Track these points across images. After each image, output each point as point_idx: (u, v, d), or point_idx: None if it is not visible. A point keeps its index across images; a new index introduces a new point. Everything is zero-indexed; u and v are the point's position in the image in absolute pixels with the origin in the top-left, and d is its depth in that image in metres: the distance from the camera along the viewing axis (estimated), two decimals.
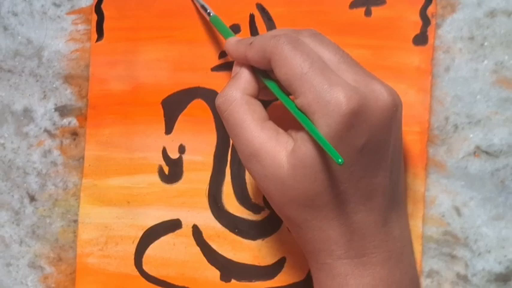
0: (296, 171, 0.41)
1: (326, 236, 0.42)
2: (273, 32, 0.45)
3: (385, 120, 0.41)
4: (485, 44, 0.48)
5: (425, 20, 0.49)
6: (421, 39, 0.49)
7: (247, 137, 0.43)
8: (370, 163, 0.41)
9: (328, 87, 0.39)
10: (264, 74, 0.45)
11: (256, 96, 0.45)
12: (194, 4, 0.54)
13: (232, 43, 0.46)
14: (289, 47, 0.41)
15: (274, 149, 0.42)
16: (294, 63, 0.40)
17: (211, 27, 0.54)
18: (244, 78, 0.45)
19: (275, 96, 0.45)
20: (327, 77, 0.40)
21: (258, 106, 0.44)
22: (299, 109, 0.40)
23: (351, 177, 0.41)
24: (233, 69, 0.46)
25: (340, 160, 0.37)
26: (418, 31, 0.49)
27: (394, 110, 0.41)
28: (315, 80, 0.39)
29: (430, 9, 0.49)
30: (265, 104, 0.46)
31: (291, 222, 0.44)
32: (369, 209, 0.42)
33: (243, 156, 0.43)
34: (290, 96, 0.42)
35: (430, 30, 0.49)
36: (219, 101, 0.44)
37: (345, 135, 0.39)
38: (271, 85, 0.44)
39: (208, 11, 0.52)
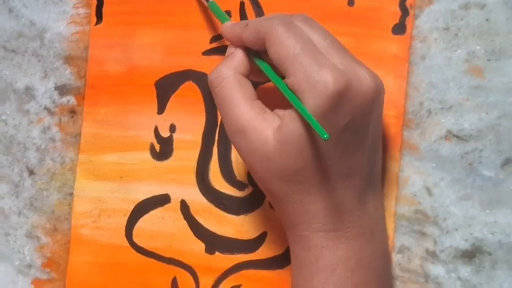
0: (281, 146, 0.43)
1: (305, 209, 0.45)
2: (267, 16, 0.48)
3: (367, 103, 0.43)
4: (459, 34, 0.50)
5: (404, 11, 0.51)
6: (399, 28, 0.52)
7: (235, 112, 0.45)
8: (350, 143, 0.44)
9: (318, 68, 0.41)
10: (256, 55, 0.47)
11: (248, 76, 0.47)
12: None
13: (228, 26, 0.48)
14: (283, 28, 0.43)
15: (261, 125, 0.44)
16: (287, 43, 0.42)
17: (204, 14, 0.57)
18: (237, 57, 0.47)
19: (266, 79, 0.48)
20: (316, 58, 0.42)
21: (248, 85, 0.46)
22: (289, 88, 0.43)
23: (333, 155, 0.43)
24: (227, 50, 0.48)
25: (325, 136, 0.39)
26: (397, 21, 0.52)
27: (377, 94, 0.44)
28: (306, 61, 0.42)
29: (409, 1, 0.51)
30: (255, 85, 0.49)
31: (272, 196, 0.46)
32: (347, 186, 0.45)
33: (231, 131, 0.46)
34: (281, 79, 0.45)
35: (408, 21, 0.51)
36: (211, 77, 0.47)
37: (330, 114, 0.41)
38: (263, 65, 0.46)
39: None
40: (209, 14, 0.56)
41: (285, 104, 0.44)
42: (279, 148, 0.43)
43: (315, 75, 0.41)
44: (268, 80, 0.49)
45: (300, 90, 0.42)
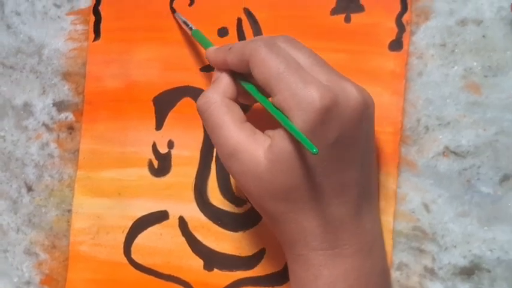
0: (273, 166, 0.43)
1: (301, 227, 0.45)
2: (250, 39, 0.48)
3: (355, 117, 0.43)
4: (456, 50, 0.50)
5: (401, 27, 0.51)
6: (396, 45, 0.52)
7: (226, 136, 0.45)
8: (341, 158, 0.44)
9: (303, 85, 0.41)
10: (242, 77, 0.47)
11: (235, 100, 0.48)
12: (176, 20, 0.57)
13: (212, 51, 0.49)
14: (266, 49, 0.44)
15: (252, 147, 0.44)
16: (271, 63, 0.43)
17: (200, 30, 0.57)
18: (223, 82, 0.47)
19: (253, 101, 0.48)
20: (301, 76, 0.42)
21: (236, 108, 0.47)
22: (276, 107, 0.43)
23: (324, 171, 0.43)
24: (214, 75, 0.49)
25: (314, 150, 0.39)
26: (393, 37, 0.52)
27: (365, 108, 0.44)
28: (291, 79, 0.42)
29: (406, 17, 0.51)
30: (244, 108, 0.49)
31: (268, 216, 0.46)
32: (341, 202, 0.45)
33: (222, 155, 0.46)
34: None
35: (405, 37, 0.51)
36: (200, 102, 0.47)
37: (318, 130, 0.41)
38: (248, 87, 0.47)
39: (189, 26, 0.55)
40: (206, 30, 0.56)
41: (275, 125, 0.44)
42: (271, 167, 0.43)
43: (301, 92, 0.41)
44: (255, 102, 0.49)
45: (287, 108, 0.42)
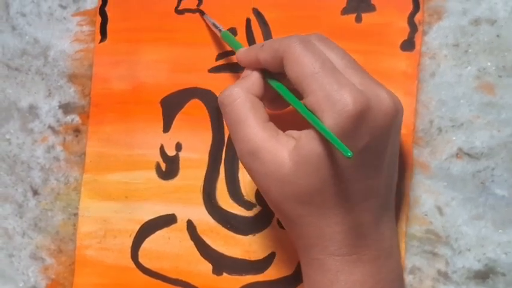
0: (298, 167, 0.42)
1: (321, 232, 0.44)
2: (284, 37, 0.47)
3: (386, 124, 0.42)
4: (469, 50, 0.50)
5: (413, 27, 0.51)
6: (408, 45, 0.51)
7: (248, 134, 0.44)
8: (369, 165, 0.43)
9: (338, 88, 0.41)
10: (272, 77, 0.46)
11: (261, 99, 0.46)
12: (205, 21, 0.57)
13: (243, 51, 0.48)
14: (301, 47, 0.42)
15: (275, 147, 0.43)
16: (306, 62, 0.42)
17: (208, 31, 0.56)
18: (252, 78, 0.46)
19: (280, 108, 0.48)
20: (336, 78, 0.41)
21: (261, 107, 0.46)
22: (307, 108, 0.42)
23: (351, 177, 0.42)
24: (243, 73, 0.48)
25: (349, 153, 0.38)
26: (405, 37, 0.51)
27: (395, 115, 0.43)
28: (325, 80, 0.41)
29: (418, 17, 0.51)
30: None
31: (286, 218, 0.45)
32: (364, 209, 0.44)
33: (242, 152, 0.45)
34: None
35: (417, 37, 0.51)
36: (223, 95, 0.46)
37: (350, 134, 0.41)
38: (279, 86, 0.46)
39: (219, 27, 0.54)
40: (215, 31, 0.56)
41: (297, 127, 0.43)
42: (296, 169, 0.42)
43: (336, 94, 0.40)
44: (282, 109, 0.49)
45: (320, 109, 0.41)
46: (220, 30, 0.54)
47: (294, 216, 0.44)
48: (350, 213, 0.43)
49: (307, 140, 0.42)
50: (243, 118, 0.44)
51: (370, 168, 0.43)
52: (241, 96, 0.45)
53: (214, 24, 0.55)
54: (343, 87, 0.41)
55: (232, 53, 0.55)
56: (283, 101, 0.45)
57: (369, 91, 0.42)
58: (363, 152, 0.42)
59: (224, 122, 0.53)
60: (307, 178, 0.42)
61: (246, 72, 0.47)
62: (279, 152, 0.43)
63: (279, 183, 0.43)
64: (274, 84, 0.46)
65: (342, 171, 0.42)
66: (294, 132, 0.44)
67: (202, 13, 0.57)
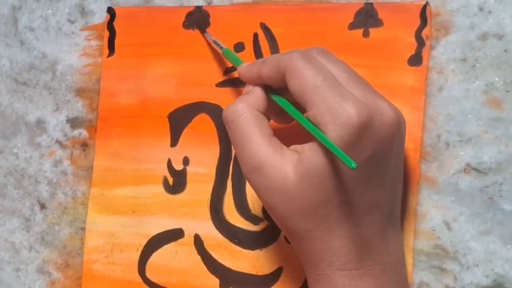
0: (303, 181, 0.42)
1: (327, 246, 0.44)
2: (284, 52, 0.47)
3: (388, 135, 0.43)
4: (477, 65, 0.50)
5: (420, 42, 0.51)
6: (415, 60, 0.51)
7: (252, 149, 0.44)
8: (372, 177, 0.43)
9: (341, 100, 0.41)
10: (274, 93, 0.46)
11: (264, 114, 0.47)
12: (205, 39, 0.57)
13: (245, 66, 0.48)
14: (302, 61, 0.43)
15: (280, 162, 0.43)
16: (308, 75, 0.42)
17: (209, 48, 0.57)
18: (255, 94, 0.46)
19: (284, 122, 0.48)
20: (339, 90, 0.42)
21: (265, 122, 0.46)
22: (310, 121, 0.42)
23: (355, 189, 0.42)
24: (245, 88, 0.48)
25: (353, 165, 0.38)
26: (413, 52, 0.51)
27: (397, 126, 0.43)
28: (328, 93, 0.41)
29: (425, 32, 0.51)
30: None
31: (292, 233, 0.45)
32: (369, 222, 0.44)
33: (247, 168, 0.45)
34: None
35: (425, 52, 0.51)
36: (228, 111, 0.46)
37: (353, 147, 0.41)
38: (281, 101, 0.46)
39: (220, 45, 0.54)
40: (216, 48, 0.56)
41: (302, 141, 0.43)
42: (300, 182, 0.42)
43: (338, 107, 0.41)
44: (286, 123, 0.49)
45: (323, 122, 0.41)
46: (221, 48, 0.54)
47: (299, 231, 0.44)
48: (355, 226, 0.43)
49: (310, 152, 0.42)
50: (247, 134, 0.44)
51: (374, 180, 0.43)
52: (246, 112, 0.45)
53: (215, 42, 0.55)
54: (345, 99, 0.41)
55: None
56: (288, 115, 0.45)
57: (371, 103, 0.42)
58: (366, 164, 0.42)
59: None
60: (311, 191, 0.42)
61: (248, 87, 0.47)
62: (283, 166, 0.43)
63: (283, 197, 0.43)
64: (277, 99, 0.46)
65: (346, 183, 0.42)
66: (298, 146, 0.44)
67: (203, 31, 0.57)
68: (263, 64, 0.46)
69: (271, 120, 0.49)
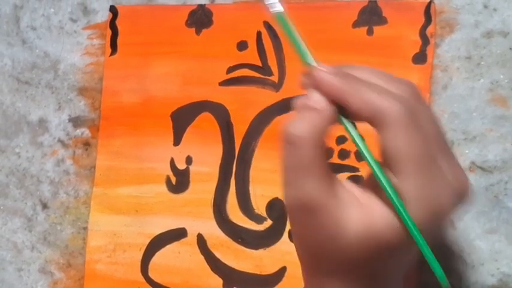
0: (362, 242, 0.36)
1: None
2: (386, 90, 0.37)
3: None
4: (482, 63, 0.49)
5: (425, 40, 0.50)
6: (420, 58, 0.51)
7: (307, 184, 0.37)
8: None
9: (434, 182, 0.36)
10: (351, 127, 0.38)
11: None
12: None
13: (328, 79, 0.38)
14: (408, 121, 0.36)
15: (338, 211, 0.37)
16: (407, 139, 0.36)
17: (220, 44, 0.56)
18: (325, 116, 0.37)
19: None
20: (437, 168, 0.36)
21: (325, 152, 0.38)
22: (401, 188, 0.36)
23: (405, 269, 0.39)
24: (311, 94, 0.38)
25: (445, 282, 0.36)
26: (417, 50, 0.51)
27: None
28: (425, 169, 0.36)
29: (430, 30, 0.50)
30: None
31: (314, 270, 0.40)
32: None
33: (294, 202, 0.38)
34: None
35: (429, 50, 0.50)
36: (289, 130, 0.37)
37: (431, 231, 0.36)
38: (362, 147, 0.37)
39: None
40: (226, 44, 0.55)
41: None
42: (357, 243, 0.36)
43: (432, 190, 0.36)
44: None
45: (411, 195, 0.36)
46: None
47: (324, 273, 0.39)
48: None
49: (383, 219, 0.36)
50: (305, 165, 0.37)
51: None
52: (310, 137, 0.36)
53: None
54: (442, 180, 0.36)
55: (243, 66, 0.55)
56: None
57: (462, 184, 0.38)
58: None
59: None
60: (366, 253, 0.37)
61: (318, 97, 0.37)
62: (343, 217, 0.36)
63: (330, 248, 0.37)
64: (357, 142, 0.37)
65: (404, 266, 0.39)
66: (357, 191, 0.38)
67: None
68: (354, 91, 0.37)
69: None
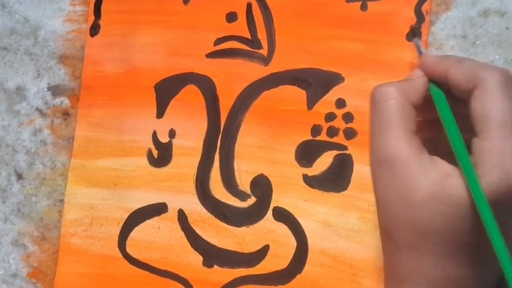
0: (432, 201, 0.38)
1: (420, 270, 0.40)
2: (487, 64, 0.43)
3: None
4: (477, 42, 0.48)
5: (420, 17, 0.50)
6: (414, 35, 0.50)
7: (390, 140, 0.40)
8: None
9: None
10: (441, 97, 0.41)
11: (417, 109, 0.42)
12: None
13: (433, 57, 0.42)
14: (503, 86, 0.38)
15: (415, 168, 0.39)
16: (501, 105, 0.37)
17: (208, 14, 0.55)
18: (415, 85, 0.42)
19: (434, 135, 0.43)
20: None
21: (412, 116, 0.41)
22: (477, 149, 0.38)
23: (479, 240, 0.38)
24: (412, 73, 0.43)
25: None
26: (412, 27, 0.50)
27: None
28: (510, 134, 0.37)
29: (425, 6, 0.49)
30: None
31: (390, 239, 0.42)
32: (475, 273, 0.40)
33: (376, 157, 0.41)
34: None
35: (424, 27, 0.49)
36: (377, 90, 0.41)
37: (506, 202, 0.37)
38: (442, 107, 0.41)
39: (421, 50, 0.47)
40: (214, 14, 0.54)
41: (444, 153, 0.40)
42: (428, 203, 0.38)
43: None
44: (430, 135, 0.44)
45: (489, 160, 0.37)
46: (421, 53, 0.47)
47: (400, 242, 0.41)
48: (458, 266, 0.40)
49: (457, 182, 0.38)
50: (389, 122, 0.40)
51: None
52: (395, 98, 0.40)
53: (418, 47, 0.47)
54: None
55: (232, 38, 0.54)
56: (438, 128, 0.41)
57: None
58: (505, 224, 0.38)
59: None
60: (434, 217, 0.38)
61: (418, 73, 0.42)
62: (417, 174, 0.39)
63: (401, 204, 0.39)
64: (438, 101, 0.41)
65: (472, 229, 0.38)
66: (441, 163, 0.40)
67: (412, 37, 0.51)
68: (458, 64, 0.40)
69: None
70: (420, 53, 0.45)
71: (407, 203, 0.39)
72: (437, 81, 0.41)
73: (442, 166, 0.39)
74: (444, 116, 0.40)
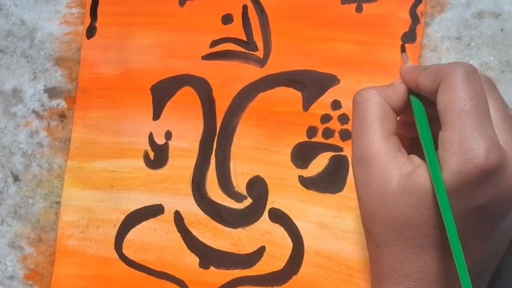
0: (402, 194, 0.40)
1: (400, 266, 0.41)
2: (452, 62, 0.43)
3: None
4: (472, 44, 0.49)
5: (415, 19, 0.50)
6: (409, 37, 0.50)
7: (367, 139, 0.42)
8: (476, 227, 0.40)
9: (478, 135, 0.37)
10: (418, 101, 0.43)
11: (397, 113, 0.44)
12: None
13: (408, 67, 0.44)
14: (463, 77, 0.39)
15: (389, 163, 0.41)
16: (460, 95, 0.39)
17: (204, 16, 0.55)
18: (394, 89, 0.44)
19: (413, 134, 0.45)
20: (482, 125, 0.38)
21: (391, 118, 0.43)
22: (440, 142, 0.39)
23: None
24: (394, 81, 0.45)
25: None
26: (407, 29, 0.50)
27: None
28: (470, 123, 0.38)
29: (420, 8, 0.50)
30: None
31: (371, 236, 0.43)
32: (452, 265, 0.39)
33: (355, 156, 0.43)
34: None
35: (419, 29, 0.50)
36: (359, 93, 0.43)
37: (467, 189, 0.38)
38: (417, 107, 0.43)
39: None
40: (210, 16, 0.54)
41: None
42: (399, 195, 0.40)
43: (472, 141, 0.37)
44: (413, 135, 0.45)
45: (450, 150, 0.38)
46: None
47: (378, 238, 0.42)
48: (437, 259, 0.40)
49: (423, 174, 0.39)
50: (368, 122, 0.42)
51: (476, 230, 0.40)
52: (374, 100, 0.42)
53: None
54: (483, 136, 0.37)
55: (228, 40, 0.54)
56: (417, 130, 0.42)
57: (510, 152, 0.38)
58: (474, 212, 0.38)
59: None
60: (406, 209, 0.40)
61: (397, 80, 0.45)
62: (390, 168, 0.41)
63: (377, 199, 0.41)
64: (414, 103, 0.43)
65: (442, 219, 0.39)
66: (417, 159, 0.41)
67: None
68: (424, 71, 0.42)
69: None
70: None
71: (382, 198, 0.41)
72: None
73: (417, 163, 0.41)
74: (417, 115, 0.42)
